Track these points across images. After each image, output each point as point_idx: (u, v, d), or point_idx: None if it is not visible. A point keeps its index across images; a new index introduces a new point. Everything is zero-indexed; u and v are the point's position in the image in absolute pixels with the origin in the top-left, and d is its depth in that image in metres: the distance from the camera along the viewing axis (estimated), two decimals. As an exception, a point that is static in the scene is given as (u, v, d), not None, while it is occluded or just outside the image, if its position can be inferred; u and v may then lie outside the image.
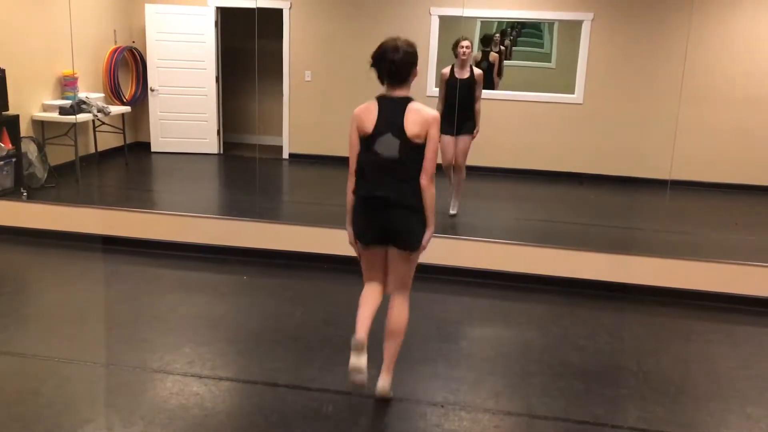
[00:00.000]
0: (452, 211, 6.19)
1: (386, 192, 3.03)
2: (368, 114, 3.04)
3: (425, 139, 3.00)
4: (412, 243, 3.12)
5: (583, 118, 7.87)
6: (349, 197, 3.17)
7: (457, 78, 5.98)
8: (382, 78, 3.06)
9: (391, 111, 3.01)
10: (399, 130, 2.99)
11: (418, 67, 3.09)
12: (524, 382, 3.62)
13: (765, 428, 3.30)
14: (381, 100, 3.06)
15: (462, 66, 5.98)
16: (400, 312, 3.26)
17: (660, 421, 3.30)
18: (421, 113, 3.00)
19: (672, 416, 3.35)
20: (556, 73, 9.29)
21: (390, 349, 3.26)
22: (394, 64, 2.99)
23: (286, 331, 4.12)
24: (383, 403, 3.33)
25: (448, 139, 6.04)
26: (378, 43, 3.10)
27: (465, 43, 5.91)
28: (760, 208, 7.43)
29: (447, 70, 6.06)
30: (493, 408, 3.36)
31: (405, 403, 3.36)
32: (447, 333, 4.21)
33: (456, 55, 6.00)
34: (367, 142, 3.05)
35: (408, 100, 3.05)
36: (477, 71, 6.06)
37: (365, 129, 3.04)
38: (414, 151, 3.00)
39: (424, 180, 3.02)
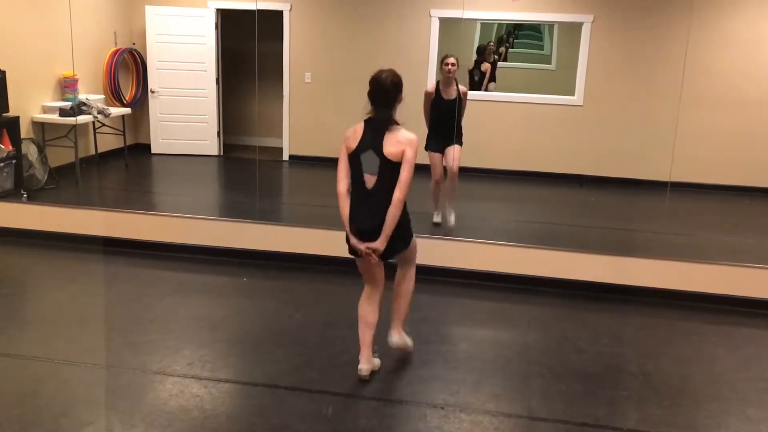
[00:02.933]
0: (450, 224, 5.93)
1: (370, 219, 3.37)
2: (355, 134, 3.41)
3: (402, 159, 3.31)
4: (401, 248, 3.54)
5: (583, 120, 7.88)
6: (341, 198, 3.46)
7: (444, 99, 5.73)
8: (372, 105, 3.41)
9: (374, 132, 3.36)
10: (378, 149, 3.33)
11: (402, 95, 3.42)
12: (524, 384, 3.62)
13: (765, 430, 3.30)
14: (367, 122, 3.40)
15: (448, 84, 5.73)
16: (407, 281, 3.69)
17: (660, 423, 3.30)
18: (398, 136, 3.33)
19: (672, 418, 3.35)
20: (556, 75, 9.31)
21: (399, 308, 3.69)
22: (382, 93, 3.35)
23: (286, 333, 4.12)
24: (383, 403, 3.34)
25: (436, 156, 5.84)
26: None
27: (451, 60, 5.68)
28: (760, 210, 7.43)
29: (432, 88, 5.82)
30: (493, 410, 3.36)
31: (405, 404, 3.36)
32: (447, 335, 4.22)
33: (442, 72, 5.77)
34: (352, 157, 3.39)
35: (390, 123, 3.37)
36: (462, 89, 5.80)
37: (351, 146, 3.39)
38: (392, 169, 3.32)
39: (398, 193, 3.32)
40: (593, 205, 7.42)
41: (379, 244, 3.36)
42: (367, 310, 3.58)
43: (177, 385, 3.45)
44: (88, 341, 3.91)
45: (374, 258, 3.40)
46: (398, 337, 3.68)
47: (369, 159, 3.33)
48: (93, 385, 3.45)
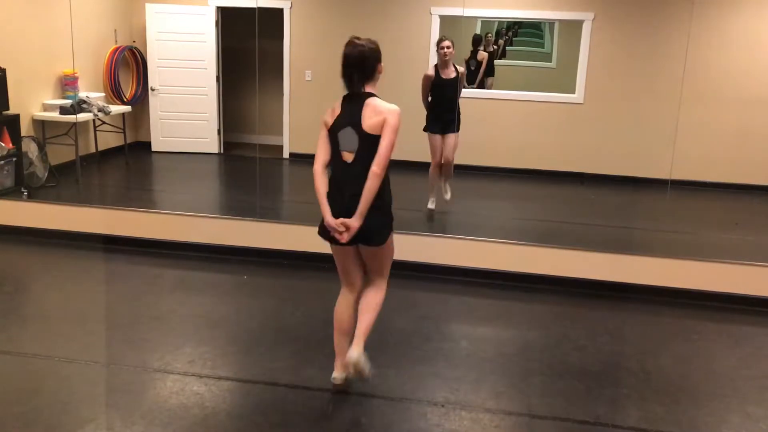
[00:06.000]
0: (446, 197, 6.23)
1: (348, 198, 3.10)
2: (333, 111, 3.17)
3: (382, 131, 3.05)
4: (376, 240, 3.21)
5: (583, 117, 7.87)
6: (316, 177, 3.20)
7: (443, 78, 5.95)
8: (346, 78, 3.14)
9: (352, 106, 3.11)
10: (357, 123, 3.08)
11: (382, 64, 3.18)
12: (525, 381, 3.62)
13: (765, 428, 3.30)
14: (345, 97, 3.17)
15: (445, 66, 5.95)
16: (375, 293, 3.36)
17: (660, 421, 3.30)
18: (378, 107, 3.08)
19: (672, 416, 3.35)
20: (556, 73, 9.29)
21: (363, 321, 3.30)
22: (357, 63, 3.09)
23: (286, 331, 4.12)
24: (384, 400, 3.34)
25: (437, 138, 6.05)
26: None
27: (446, 43, 5.90)
28: (760, 207, 7.43)
29: (431, 71, 6.02)
30: (494, 408, 3.36)
31: (405, 402, 3.36)
32: (447, 332, 4.21)
33: (438, 56, 6.00)
34: (330, 135, 3.16)
35: (368, 95, 3.12)
36: (460, 69, 6.08)
37: (329, 123, 3.16)
38: (372, 144, 3.06)
39: (375, 167, 3.04)
40: (594, 203, 7.42)
41: (354, 220, 3.06)
42: (344, 316, 3.37)
43: (177, 382, 3.45)
44: (88, 339, 3.91)
45: (345, 237, 3.09)
46: (357, 354, 3.20)
47: (347, 136, 3.09)
48: (93, 383, 3.45)
